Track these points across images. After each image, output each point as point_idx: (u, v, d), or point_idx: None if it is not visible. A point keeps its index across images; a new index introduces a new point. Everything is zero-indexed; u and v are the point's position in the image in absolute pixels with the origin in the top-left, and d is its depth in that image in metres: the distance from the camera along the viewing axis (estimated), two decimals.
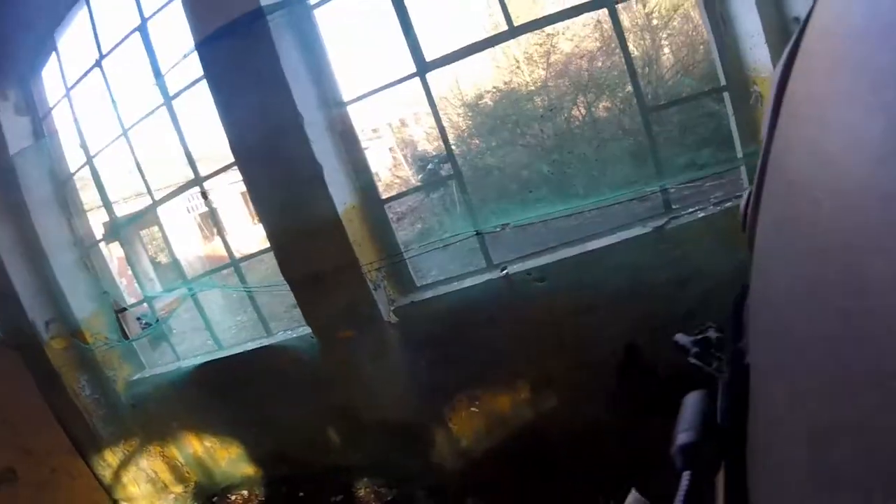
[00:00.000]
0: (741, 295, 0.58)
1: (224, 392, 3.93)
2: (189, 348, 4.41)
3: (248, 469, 4.19)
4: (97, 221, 4.63)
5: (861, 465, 0.22)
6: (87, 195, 4.50)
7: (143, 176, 3.91)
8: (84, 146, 4.10)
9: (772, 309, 0.35)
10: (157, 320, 4.12)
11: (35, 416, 4.37)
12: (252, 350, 3.72)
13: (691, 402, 0.54)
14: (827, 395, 0.25)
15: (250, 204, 22.09)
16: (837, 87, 0.29)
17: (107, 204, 4.13)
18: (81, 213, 4.37)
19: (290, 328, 3.73)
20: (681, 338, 0.85)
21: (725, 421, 0.49)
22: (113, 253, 4.78)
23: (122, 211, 4.68)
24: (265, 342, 3.70)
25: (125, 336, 4.25)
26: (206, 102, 3.38)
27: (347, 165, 3.26)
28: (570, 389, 3.09)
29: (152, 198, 3.92)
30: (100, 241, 4.42)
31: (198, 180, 3.64)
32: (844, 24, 0.30)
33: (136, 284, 5.60)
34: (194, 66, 3.31)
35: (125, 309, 4.28)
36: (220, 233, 3.80)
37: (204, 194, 3.68)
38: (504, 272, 3.07)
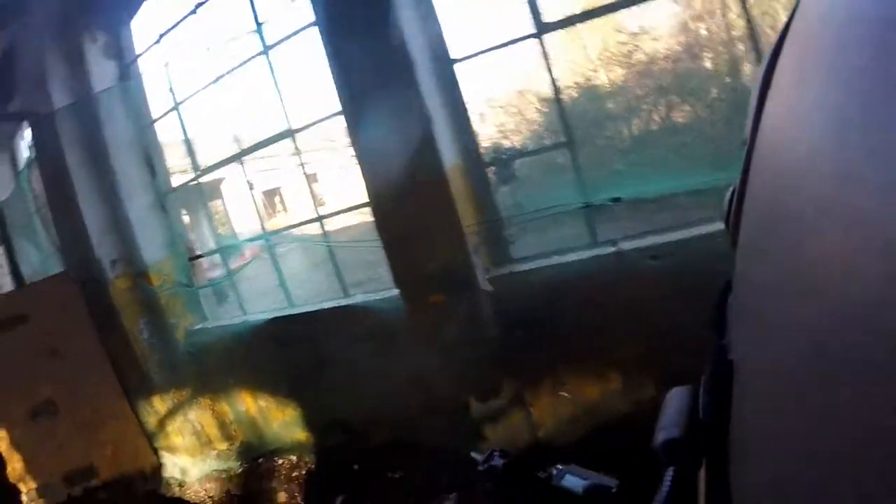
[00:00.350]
0: (724, 291, 0.58)
1: (290, 351, 3.83)
2: (256, 305, 4.30)
3: (300, 434, 4.07)
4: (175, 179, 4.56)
5: (841, 460, 0.22)
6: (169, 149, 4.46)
7: (229, 125, 3.85)
8: (172, 91, 4.05)
9: (754, 305, 0.36)
10: (230, 271, 4.04)
11: (86, 353, 4.31)
12: (328, 309, 3.61)
13: (673, 398, 0.56)
14: (809, 390, 0.25)
15: (315, 186, 22.40)
16: (819, 82, 0.29)
17: (190, 152, 4.08)
18: (162, 158, 4.32)
19: (370, 291, 3.63)
20: (474, 455, 0.96)
21: (708, 417, 0.49)
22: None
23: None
24: (343, 302, 3.59)
25: (193, 283, 4.17)
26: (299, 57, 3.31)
27: (452, 124, 3.16)
28: (670, 378, 2.92)
29: (239, 146, 3.85)
30: (173, 190, 4.36)
31: (290, 132, 3.57)
32: (831, 15, 0.30)
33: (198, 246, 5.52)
34: (296, 17, 3.28)
35: (200, 256, 4.21)
36: (310, 185, 3.70)
37: (296, 148, 3.61)
38: (615, 247, 2.93)
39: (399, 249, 3.15)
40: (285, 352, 3.85)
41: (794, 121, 0.32)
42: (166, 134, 4.31)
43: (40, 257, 4.89)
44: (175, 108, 4.04)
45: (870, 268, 0.20)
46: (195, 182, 4.16)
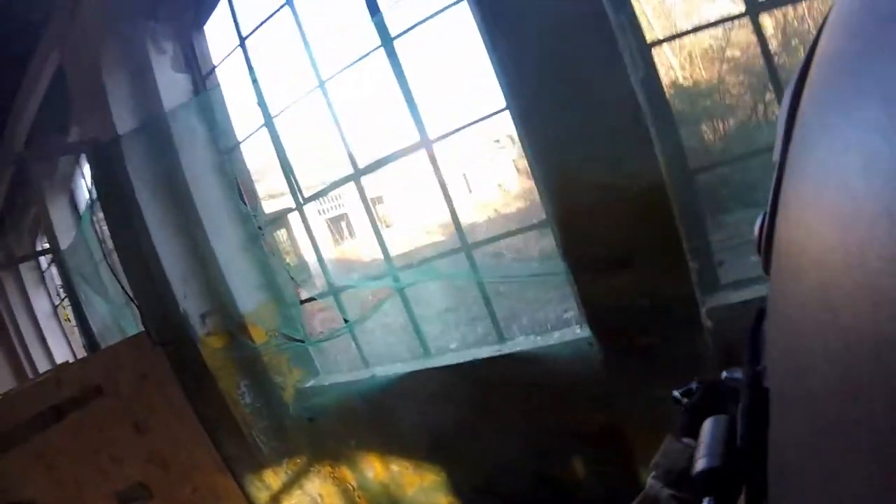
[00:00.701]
0: (758, 317, 0.57)
1: (429, 409, 3.18)
2: (378, 356, 3.63)
3: (443, 500, 3.42)
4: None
5: (877, 492, 0.21)
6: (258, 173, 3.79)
7: (343, 138, 3.19)
8: (262, 104, 3.38)
9: (789, 332, 0.34)
10: (346, 320, 3.37)
11: (178, 425, 3.68)
12: (484, 360, 2.95)
13: (710, 426, 0.59)
14: (846, 420, 0.24)
15: (379, 210, 21.73)
16: (852, 101, 0.28)
17: (287, 173, 3.41)
18: (251, 184, 3.66)
19: (535, 334, 2.97)
20: (675, 393, 0.91)
21: (745, 445, 0.48)
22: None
23: (275, 205, 3.97)
24: (505, 350, 2.93)
25: (307, 336, 3.51)
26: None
27: (651, 119, 2.50)
28: None
29: (355, 166, 3.18)
30: (269, 222, 3.70)
31: (424, 142, 2.91)
32: (862, 31, 0.29)
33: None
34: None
35: (311, 299, 3.53)
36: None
37: (433, 160, 2.95)
38: None
39: (596, 280, 2.49)
40: (424, 410, 3.20)
41: (824, 144, 0.30)
42: (255, 155, 3.66)
43: (111, 312, 4.24)
44: (266, 123, 3.37)
45: None
46: (295, 210, 3.50)
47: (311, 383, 3.62)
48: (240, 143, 3.57)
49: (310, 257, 4.35)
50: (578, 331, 2.76)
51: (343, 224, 18.34)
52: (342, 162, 3.29)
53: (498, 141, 27.24)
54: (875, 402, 0.21)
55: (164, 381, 3.64)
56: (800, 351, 0.30)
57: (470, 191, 28.50)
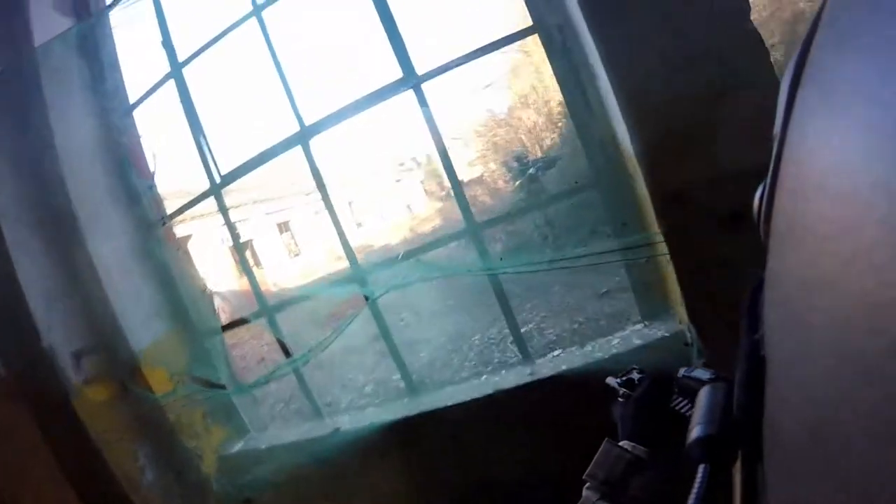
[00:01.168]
0: (757, 287, 0.49)
1: (424, 472, 2.17)
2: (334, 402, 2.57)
3: None
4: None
5: (872, 461, 0.21)
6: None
7: (286, 84, 2.22)
8: (167, 44, 2.38)
9: (787, 301, 0.33)
10: (288, 353, 2.30)
11: None
12: (508, 391, 1.98)
13: (706, 395, 0.58)
14: (842, 388, 0.24)
15: (286, 236, 20.64)
16: (852, 75, 0.27)
17: (199, 141, 2.38)
18: (146, 165, 2.60)
19: (564, 350, 2.04)
20: (610, 380, 0.89)
21: (741, 413, 0.49)
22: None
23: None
24: (541, 373, 1.98)
25: (233, 379, 2.41)
26: None
27: None
28: None
29: (301, 123, 2.20)
30: (171, 217, 2.62)
31: (408, 78, 2.00)
32: (865, 8, 0.28)
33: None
34: None
35: (239, 324, 2.43)
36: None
37: (422, 98, 2.01)
38: None
39: (700, 242, 1.64)
40: (417, 474, 2.19)
41: (825, 117, 0.30)
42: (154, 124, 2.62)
43: None
44: (175, 72, 2.36)
45: None
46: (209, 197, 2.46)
47: (239, 447, 2.50)
48: (134, 105, 2.53)
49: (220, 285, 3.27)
50: (646, 330, 1.87)
51: (248, 253, 17.09)
52: (279, 125, 2.32)
53: (402, 164, 28.28)
54: (872, 369, 0.20)
55: (30, 453, 2.44)
56: (797, 319, 0.30)
57: (382, 217, 28.99)
